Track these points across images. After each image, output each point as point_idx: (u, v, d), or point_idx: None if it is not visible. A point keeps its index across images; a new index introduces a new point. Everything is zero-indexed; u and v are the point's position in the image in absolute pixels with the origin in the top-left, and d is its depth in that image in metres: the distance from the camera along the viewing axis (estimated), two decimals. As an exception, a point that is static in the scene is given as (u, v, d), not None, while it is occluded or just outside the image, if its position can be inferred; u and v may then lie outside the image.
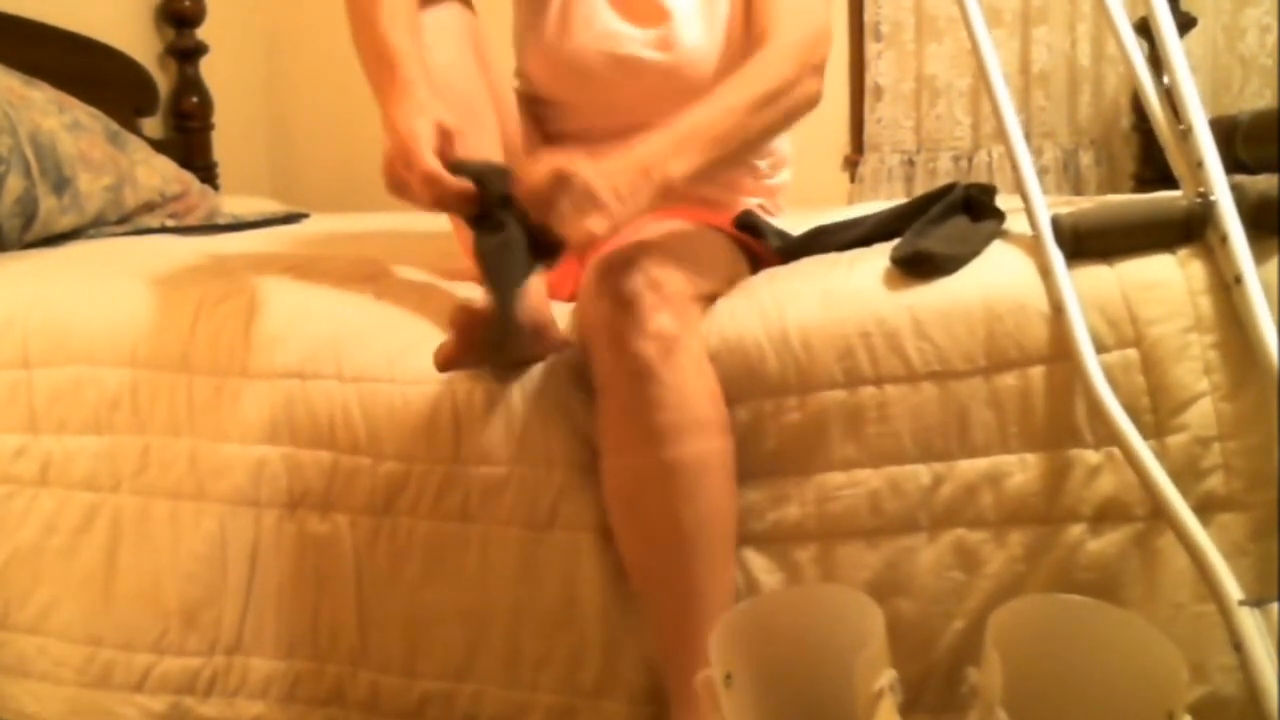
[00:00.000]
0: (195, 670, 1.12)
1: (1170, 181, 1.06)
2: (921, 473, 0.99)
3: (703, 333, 1.01)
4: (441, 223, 1.18)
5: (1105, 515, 0.97)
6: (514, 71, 1.34)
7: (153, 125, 2.41)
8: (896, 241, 1.07)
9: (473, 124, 1.07)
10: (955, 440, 0.99)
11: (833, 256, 1.13)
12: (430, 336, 1.08)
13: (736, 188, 1.31)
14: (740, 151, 1.02)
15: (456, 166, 0.90)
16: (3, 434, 1.18)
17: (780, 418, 1.00)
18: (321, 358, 1.10)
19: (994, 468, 0.98)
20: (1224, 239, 0.95)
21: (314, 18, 2.81)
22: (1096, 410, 0.94)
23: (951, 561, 0.99)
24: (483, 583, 1.05)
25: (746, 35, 1.16)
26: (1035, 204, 1.03)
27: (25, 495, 1.17)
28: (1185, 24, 2.22)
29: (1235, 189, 0.96)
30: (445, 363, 1.01)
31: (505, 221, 0.89)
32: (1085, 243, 0.99)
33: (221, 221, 1.91)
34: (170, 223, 1.80)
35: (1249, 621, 0.80)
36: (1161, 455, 0.94)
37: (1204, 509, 0.94)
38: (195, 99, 2.48)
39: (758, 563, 1.02)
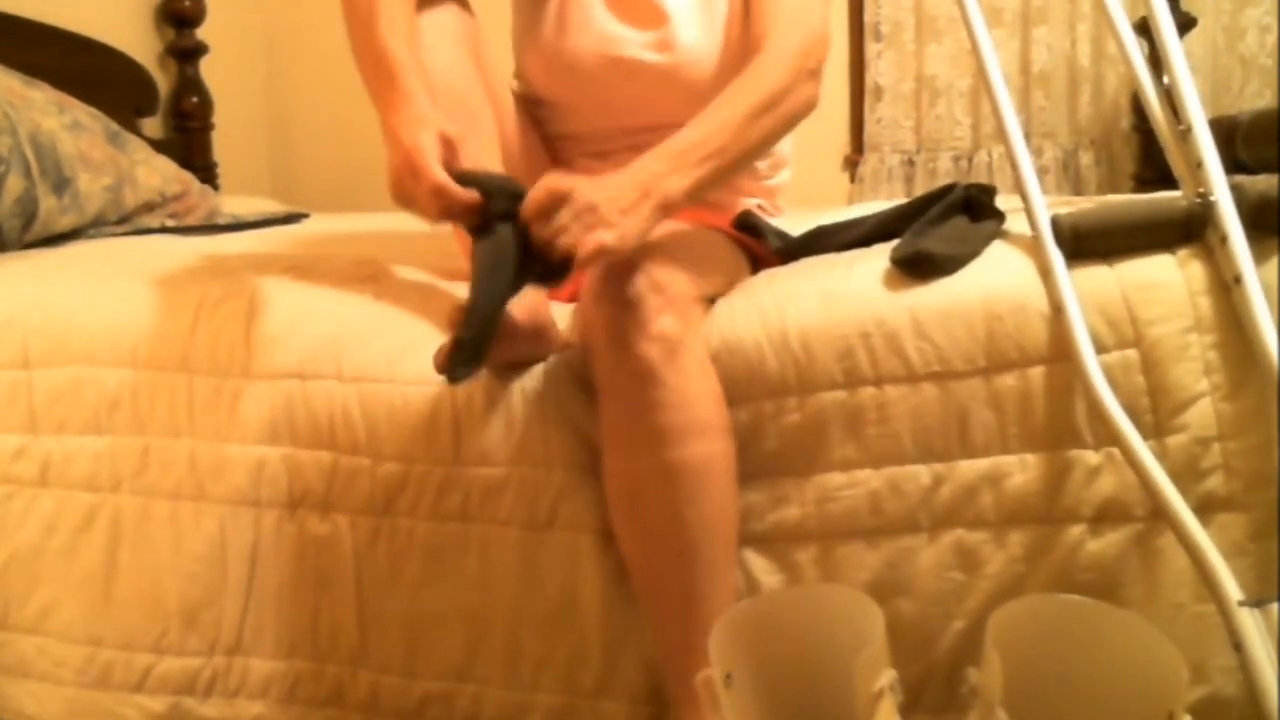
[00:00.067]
0: (195, 671, 1.12)
1: (1170, 181, 1.06)
2: (921, 473, 0.99)
3: (703, 334, 1.01)
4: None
5: (1105, 516, 0.97)
6: (513, 73, 1.34)
7: (153, 125, 2.41)
8: (896, 242, 1.07)
9: (470, 126, 1.06)
10: (955, 441, 0.99)
11: (832, 257, 1.13)
12: (430, 337, 1.08)
13: (735, 188, 1.31)
14: (740, 162, 1.02)
15: (463, 177, 0.90)
16: (3, 434, 1.18)
17: (780, 418, 1.00)
18: (321, 358, 1.10)
19: (994, 468, 0.98)
20: (1224, 239, 0.95)
21: (314, 18, 2.81)
22: (1096, 411, 0.94)
23: (951, 562, 0.99)
24: (483, 583, 1.05)
25: (745, 37, 1.16)
26: (1035, 204, 1.03)
27: (25, 496, 1.17)
28: (1185, 24, 2.22)
29: (1235, 189, 0.96)
30: (445, 364, 1.01)
31: (503, 236, 0.89)
32: (1085, 243, 1.00)
33: (221, 221, 1.91)
34: (170, 223, 1.80)
35: (1249, 622, 0.80)
36: (1161, 455, 0.94)
37: (1204, 509, 0.94)
38: (195, 99, 2.48)
39: (758, 563, 1.02)
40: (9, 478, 1.17)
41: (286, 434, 1.09)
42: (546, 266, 0.89)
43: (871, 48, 2.77)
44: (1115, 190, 2.64)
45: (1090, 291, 0.97)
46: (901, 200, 1.30)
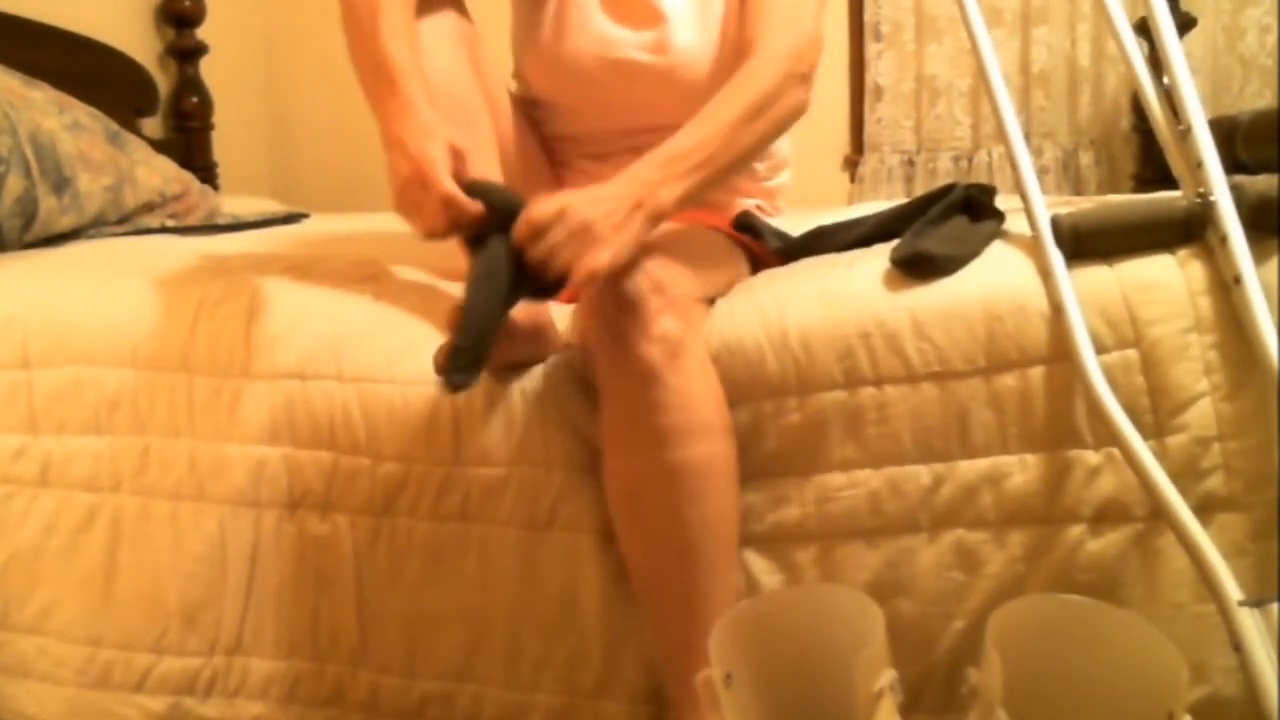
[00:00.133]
0: (195, 671, 1.12)
1: (1170, 181, 1.06)
2: (921, 473, 0.99)
3: (703, 334, 1.01)
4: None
5: (1105, 516, 0.97)
6: (511, 73, 1.34)
7: (153, 125, 2.41)
8: (896, 242, 1.07)
9: (468, 129, 1.07)
10: (955, 441, 0.99)
11: (832, 257, 1.13)
12: (430, 337, 1.08)
13: (733, 189, 1.31)
14: (730, 168, 1.02)
15: (470, 188, 0.90)
16: (3, 434, 1.18)
17: (780, 419, 1.00)
18: (321, 358, 1.10)
19: (994, 468, 0.98)
20: (1224, 239, 0.95)
21: (314, 18, 2.81)
22: (1096, 411, 0.94)
23: (951, 562, 0.99)
24: (483, 583, 1.05)
25: (739, 37, 1.16)
26: (1035, 204, 1.03)
27: (25, 496, 1.17)
28: (1185, 24, 2.22)
29: (1235, 189, 0.96)
30: (442, 367, 1.01)
31: (498, 249, 0.89)
32: (1085, 243, 0.99)
33: (221, 221, 1.91)
34: (170, 223, 1.80)
35: (1249, 622, 0.80)
36: (1161, 456, 0.94)
37: (1204, 509, 0.94)
38: (195, 99, 2.48)
39: (758, 564, 1.02)
40: (9, 478, 1.17)
41: (286, 434, 1.09)
42: (540, 283, 0.90)
43: (871, 48, 2.77)
44: (1115, 190, 2.64)
45: (1090, 291, 0.97)
46: (901, 200, 1.30)
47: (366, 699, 1.08)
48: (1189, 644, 0.86)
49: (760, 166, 1.33)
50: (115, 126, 1.81)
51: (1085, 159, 2.69)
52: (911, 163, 2.79)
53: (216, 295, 1.17)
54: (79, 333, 1.17)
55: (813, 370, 1.00)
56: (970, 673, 0.81)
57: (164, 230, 1.75)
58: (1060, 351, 0.97)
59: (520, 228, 0.88)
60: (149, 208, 1.78)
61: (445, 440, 1.05)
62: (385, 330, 1.12)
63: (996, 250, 1.05)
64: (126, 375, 1.15)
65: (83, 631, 1.14)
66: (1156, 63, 1.06)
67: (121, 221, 1.71)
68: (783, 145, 1.35)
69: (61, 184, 1.56)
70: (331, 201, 2.65)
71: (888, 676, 0.77)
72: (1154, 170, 2.26)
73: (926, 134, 2.78)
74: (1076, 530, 0.97)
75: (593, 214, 0.88)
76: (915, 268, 1.02)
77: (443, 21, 1.11)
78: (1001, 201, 1.15)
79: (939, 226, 1.08)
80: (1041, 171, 2.66)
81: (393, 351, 1.09)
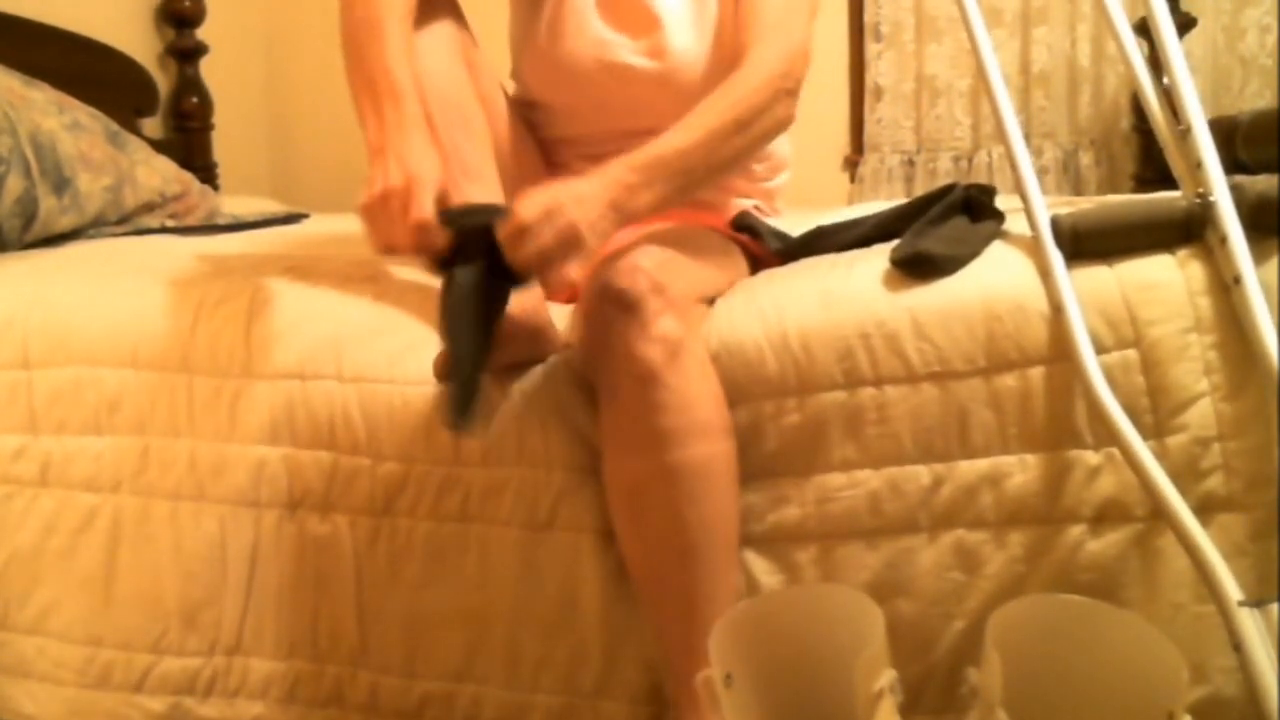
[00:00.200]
0: (195, 671, 1.12)
1: (1170, 182, 1.06)
2: (921, 473, 0.99)
3: (703, 335, 1.01)
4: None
5: (1105, 516, 0.97)
6: (509, 73, 1.34)
7: (153, 125, 2.41)
8: (896, 242, 1.07)
9: (464, 131, 1.07)
10: (955, 441, 0.99)
11: (832, 257, 1.13)
12: (430, 337, 1.08)
13: (730, 189, 1.31)
14: (708, 178, 1.03)
15: (444, 215, 0.90)
16: (3, 434, 1.18)
17: (780, 419, 1.00)
18: (321, 358, 1.10)
19: (994, 468, 0.98)
20: (1223, 239, 0.95)
21: (314, 18, 2.81)
22: (1096, 411, 0.94)
23: (951, 562, 0.99)
24: (482, 584, 1.05)
25: (732, 44, 1.16)
26: (1035, 204, 1.03)
27: (25, 496, 1.17)
28: (1185, 24, 2.22)
29: (1234, 189, 0.96)
30: (445, 372, 1.02)
31: (463, 280, 0.89)
32: (1085, 243, 1.00)
33: (221, 221, 1.91)
34: (170, 223, 1.80)
35: (1249, 622, 0.80)
36: (1161, 456, 0.94)
37: (1204, 509, 0.94)
38: (195, 99, 2.48)
39: (758, 564, 1.02)
40: (9, 478, 1.17)
41: (286, 434, 1.09)
42: (515, 278, 0.90)
43: (871, 48, 2.77)
44: (1115, 190, 2.64)
45: (1090, 292, 0.97)
46: (901, 200, 1.30)
47: (366, 699, 1.08)
48: (1189, 644, 0.86)
49: (759, 167, 1.33)
50: (115, 126, 1.81)
51: (1085, 159, 2.69)
52: (911, 163, 2.79)
53: (216, 295, 1.17)
54: (79, 333, 1.17)
55: (812, 370, 1.00)
56: (970, 673, 0.81)
57: (164, 230, 1.75)
58: (1060, 352, 0.97)
59: (506, 229, 0.88)
60: (149, 208, 1.78)
61: (445, 440, 1.05)
62: (385, 330, 1.12)
63: (996, 250, 1.05)
64: (126, 375, 1.15)
65: (83, 632, 1.14)
66: (1156, 63, 1.06)
67: (121, 221, 1.71)
68: (782, 146, 1.35)
69: (61, 184, 1.56)
70: (331, 201, 2.65)
71: (888, 677, 0.77)
72: (1154, 170, 2.26)
73: (926, 134, 2.78)
74: (1076, 530, 0.97)
75: (579, 216, 0.89)
76: (915, 268, 1.02)
77: (440, 29, 1.11)
78: (1001, 201, 1.15)
79: (939, 227, 1.08)
80: (1041, 171, 2.66)
81: (393, 351, 1.09)
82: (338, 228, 1.90)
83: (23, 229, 1.50)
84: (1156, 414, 0.96)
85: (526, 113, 1.31)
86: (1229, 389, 0.96)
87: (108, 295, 1.22)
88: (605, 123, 1.26)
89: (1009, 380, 0.98)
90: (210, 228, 1.83)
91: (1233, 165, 1.00)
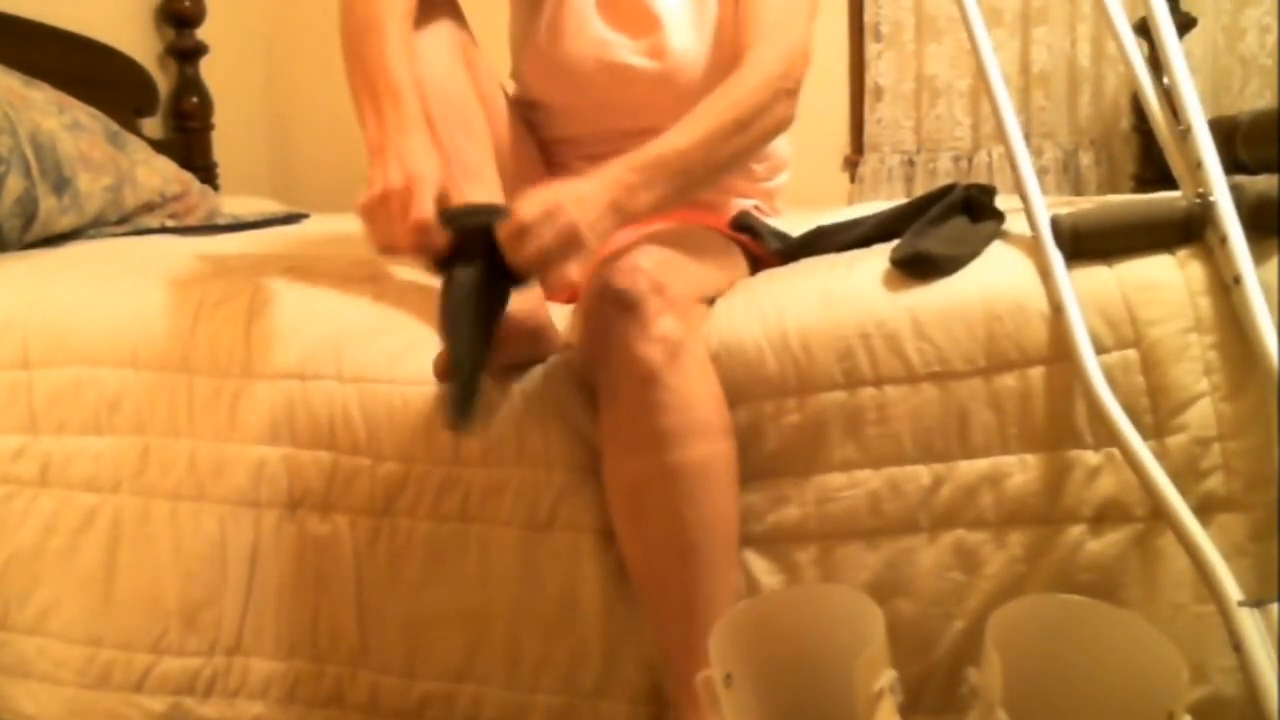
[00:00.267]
0: (195, 671, 1.12)
1: (1170, 182, 1.06)
2: (921, 473, 0.99)
3: (703, 335, 1.01)
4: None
5: (1105, 516, 0.97)
6: (509, 73, 1.34)
7: (153, 125, 2.41)
8: (896, 242, 1.07)
9: (464, 130, 1.08)
10: (955, 441, 0.99)
11: (832, 257, 1.13)
12: (430, 338, 1.08)
13: (729, 189, 1.31)
14: (708, 178, 1.03)
15: (444, 215, 0.90)
16: (3, 434, 1.18)
17: (780, 419, 1.00)
18: (321, 358, 1.10)
19: (994, 468, 0.98)
20: (1223, 239, 0.95)
21: (314, 18, 2.81)
22: (1096, 411, 0.94)
23: (951, 562, 0.99)
24: (482, 584, 1.05)
25: (732, 44, 1.16)
26: (1035, 205, 1.03)
27: (25, 496, 1.17)
28: (1185, 24, 2.22)
29: (1234, 189, 0.96)
30: (445, 372, 1.02)
31: (461, 279, 0.89)
32: (1085, 243, 1.00)
33: (221, 221, 1.91)
34: (170, 223, 1.80)
35: (1249, 622, 0.80)
36: (1161, 456, 0.94)
37: (1204, 509, 0.94)
38: (195, 99, 2.48)
39: (758, 564, 1.02)
40: (9, 478, 1.17)
41: (286, 434, 1.09)
42: (516, 278, 0.90)
43: (871, 48, 2.77)
44: (1115, 190, 2.64)
45: (1090, 292, 0.97)
46: (901, 200, 1.30)
47: (366, 699, 1.08)
48: (1189, 644, 0.86)
49: (759, 167, 1.33)
50: (115, 126, 1.81)
51: (1085, 159, 2.69)
52: (911, 163, 2.79)
53: (216, 295, 1.17)
54: (79, 333, 1.17)
55: (812, 370, 1.00)
56: (970, 673, 0.81)
57: (164, 230, 1.75)
58: (1060, 352, 0.97)
59: (506, 229, 0.88)
60: (149, 208, 1.78)
61: (445, 440, 1.05)
62: (385, 330, 1.12)
63: (996, 250, 1.05)
64: (126, 375, 1.15)
65: (83, 632, 1.14)
66: (1156, 63, 1.06)
67: (121, 221, 1.71)
68: (782, 146, 1.35)
69: (61, 184, 1.56)
70: (331, 201, 2.65)
71: (888, 677, 0.77)
72: (1154, 170, 2.27)
73: (926, 134, 2.78)
74: (1076, 530, 0.97)
75: (579, 216, 0.89)
76: (915, 268, 1.02)
77: (439, 29, 1.11)
78: (1001, 201, 1.15)
79: (939, 227, 1.08)
80: (1041, 171, 2.66)
81: (393, 351, 1.09)
82: (338, 228, 1.90)
83: (23, 229, 1.50)
84: (1156, 414, 0.96)
85: (526, 113, 1.31)
86: (1229, 389, 0.96)
87: (108, 295, 1.22)
88: (605, 123, 1.26)
89: (1009, 380, 0.98)
90: (210, 228, 1.83)
91: (1233, 165, 1.00)
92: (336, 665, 1.09)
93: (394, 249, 0.90)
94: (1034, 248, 1.02)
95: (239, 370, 1.11)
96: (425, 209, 0.88)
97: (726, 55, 1.17)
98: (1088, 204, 1.07)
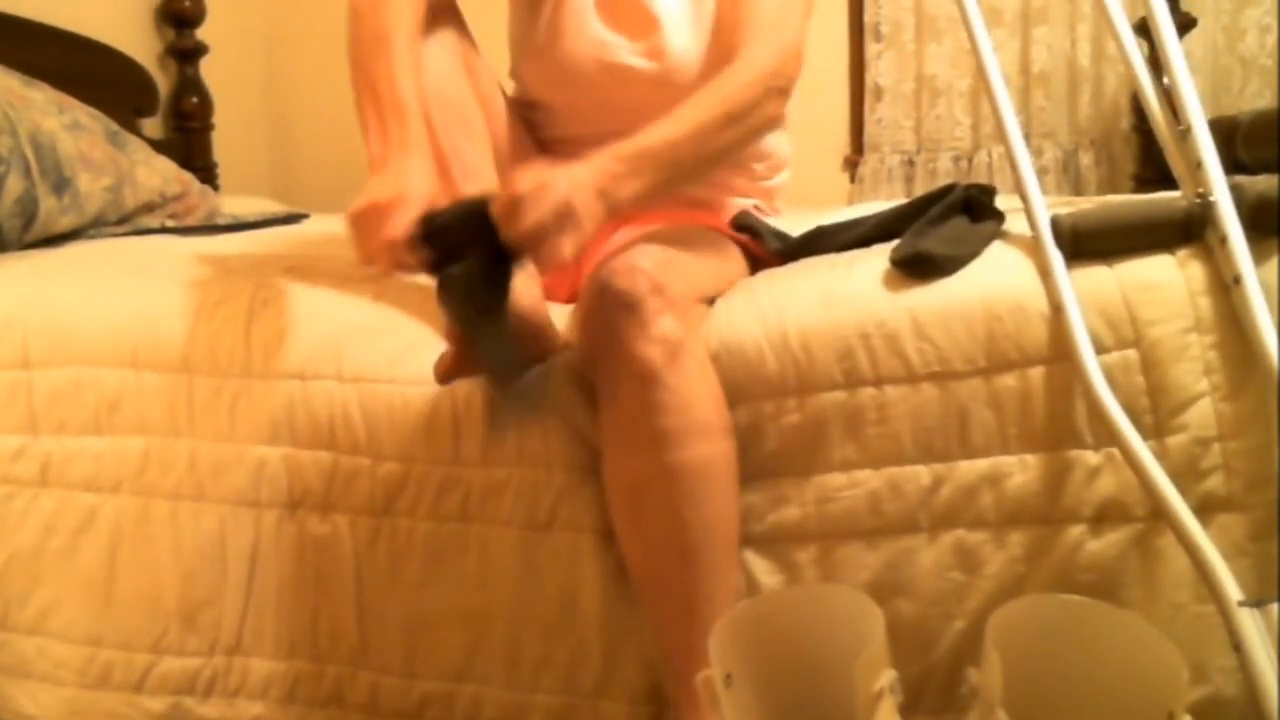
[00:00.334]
0: (195, 671, 1.12)
1: (1170, 182, 1.06)
2: (921, 473, 0.99)
3: (703, 335, 1.01)
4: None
5: (1105, 516, 0.97)
6: (508, 73, 1.34)
7: (153, 125, 2.41)
8: (896, 242, 1.07)
9: (464, 131, 1.09)
10: (955, 441, 0.99)
11: (832, 257, 1.13)
12: (430, 338, 1.09)
13: (729, 188, 1.31)
14: (696, 171, 1.03)
15: (434, 214, 0.90)
16: (3, 435, 1.17)
17: (780, 419, 1.00)
18: (321, 358, 1.10)
19: (994, 468, 0.98)
20: (1223, 240, 0.95)
21: (314, 18, 2.81)
22: (1096, 411, 0.94)
23: (951, 562, 0.99)
24: (482, 584, 1.05)
25: (726, 43, 1.16)
26: (1035, 205, 1.03)
27: (25, 496, 1.17)
28: (1185, 24, 2.23)
29: (1234, 189, 0.96)
30: (445, 376, 1.02)
31: (457, 277, 0.90)
32: (1085, 243, 1.00)
33: (221, 222, 1.91)
34: (170, 223, 1.80)
35: (1249, 622, 0.80)
36: (1161, 456, 0.94)
37: (1204, 509, 0.94)
38: (195, 99, 2.48)
39: (758, 564, 1.02)
40: (9, 478, 1.17)
41: (286, 434, 1.09)
42: (509, 261, 0.91)
43: (871, 48, 2.77)
44: (1115, 190, 2.64)
45: (1090, 292, 0.97)
46: (901, 200, 1.30)
47: (366, 699, 1.08)
48: (1189, 644, 0.86)
49: (759, 166, 1.33)
50: (115, 126, 1.81)
51: (1085, 159, 2.69)
52: (911, 163, 2.79)
53: (216, 295, 1.17)
54: (79, 333, 1.17)
55: (812, 370, 1.00)
56: (970, 673, 0.81)
57: (164, 230, 1.75)
58: (1060, 352, 0.97)
59: (501, 201, 0.88)
60: (149, 208, 1.78)
61: (445, 440, 1.05)
62: (385, 330, 1.13)
63: (996, 250, 1.05)
64: (127, 376, 1.15)
65: (83, 632, 1.14)
66: (1156, 63, 1.06)
67: (121, 222, 1.71)
68: (782, 145, 1.35)
69: (61, 184, 1.56)
70: (331, 201, 2.64)
71: (888, 677, 0.77)
72: (1154, 170, 2.26)
73: (926, 134, 2.78)
74: (1076, 530, 0.97)
75: (572, 191, 0.89)
76: (915, 268, 1.02)
77: (441, 35, 1.13)
78: (1001, 201, 1.15)
79: (939, 227, 1.08)
80: (1041, 171, 2.66)
81: (393, 351, 1.09)
82: (338, 228, 1.88)
83: (23, 229, 1.50)
84: (1156, 414, 0.96)
85: (526, 113, 1.32)
86: (1229, 389, 0.96)
87: (108, 295, 1.22)
88: (604, 123, 1.26)
89: (1009, 380, 0.98)
90: (210, 228, 1.83)
91: (1233, 165, 1.00)
92: (336, 665, 1.09)
93: (371, 262, 0.91)
94: (1034, 248, 1.02)
95: (239, 370, 1.11)
96: (399, 228, 0.89)
97: (723, 56, 1.17)
98: (1088, 204, 1.07)
